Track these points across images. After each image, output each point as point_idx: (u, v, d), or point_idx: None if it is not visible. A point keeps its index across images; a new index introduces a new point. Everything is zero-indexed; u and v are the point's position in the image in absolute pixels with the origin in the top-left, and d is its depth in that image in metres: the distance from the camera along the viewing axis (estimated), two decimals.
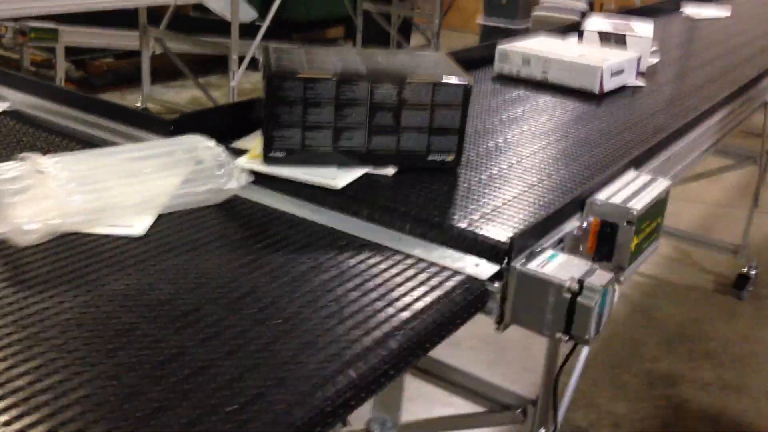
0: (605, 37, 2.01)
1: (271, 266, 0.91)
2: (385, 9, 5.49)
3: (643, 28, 1.98)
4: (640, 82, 1.81)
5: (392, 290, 0.88)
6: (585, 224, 1.13)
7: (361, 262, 0.94)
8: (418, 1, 5.91)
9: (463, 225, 1.02)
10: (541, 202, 1.12)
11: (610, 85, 1.71)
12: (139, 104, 4.08)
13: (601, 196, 1.14)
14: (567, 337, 0.95)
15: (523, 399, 1.29)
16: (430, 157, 1.16)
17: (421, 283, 0.90)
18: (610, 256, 1.14)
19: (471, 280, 0.93)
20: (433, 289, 0.89)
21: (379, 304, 0.85)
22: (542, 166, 1.25)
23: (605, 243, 1.13)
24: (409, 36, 6.05)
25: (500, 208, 1.08)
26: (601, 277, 0.95)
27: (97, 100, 1.27)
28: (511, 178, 1.19)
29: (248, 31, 3.87)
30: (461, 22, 7.17)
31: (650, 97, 1.71)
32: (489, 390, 1.33)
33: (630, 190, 1.17)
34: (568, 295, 0.93)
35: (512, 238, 0.97)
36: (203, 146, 1.05)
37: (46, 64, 4.14)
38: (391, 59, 1.19)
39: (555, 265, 0.97)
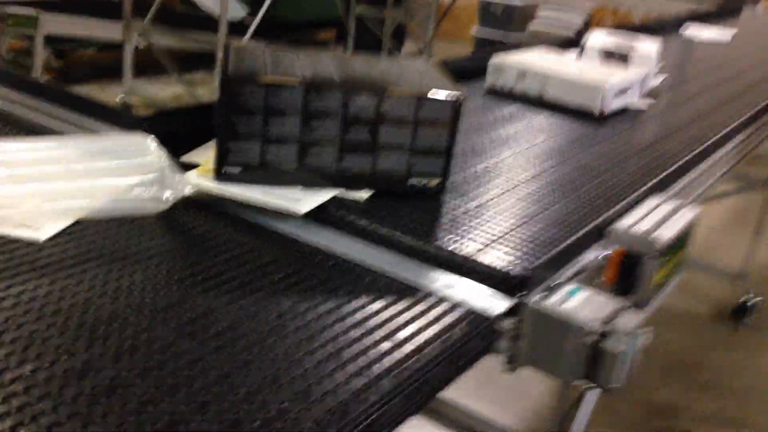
0: (607, 55, 1.89)
1: (207, 274, 0.80)
2: (378, 14, 5.37)
3: (647, 47, 1.86)
4: (643, 105, 1.69)
5: (383, 325, 0.76)
6: (605, 254, 1.01)
7: (342, 285, 0.82)
8: (412, 8, 5.80)
9: (468, 251, 0.90)
10: (554, 230, 0.99)
11: (612, 106, 1.58)
12: (119, 98, 3.93)
13: (624, 223, 1.02)
14: (589, 385, 0.83)
15: None
16: (411, 181, 1.02)
17: (425, 322, 0.78)
18: (631, 290, 1.02)
19: (480, 316, 0.81)
20: (434, 325, 0.77)
21: (360, 334, 0.73)
22: (543, 192, 1.11)
23: (626, 276, 1.02)
24: (402, 43, 5.94)
25: (507, 235, 0.95)
26: (630, 318, 0.83)
27: (58, 90, 1.14)
28: (508, 205, 1.05)
29: (236, 29, 3.73)
30: (455, 31, 7.08)
31: (656, 121, 1.58)
32: (489, 428, 1.20)
33: (655, 218, 1.06)
34: (593, 339, 0.81)
35: (529, 269, 0.85)
36: (150, 150, 0.92)
37: (25, 52, 3.98)
38: (371, 67, 1.05)
39: (577, 302, 0.85)
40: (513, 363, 0.86)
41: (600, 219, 1.02)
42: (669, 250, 1.01)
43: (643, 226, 1.02)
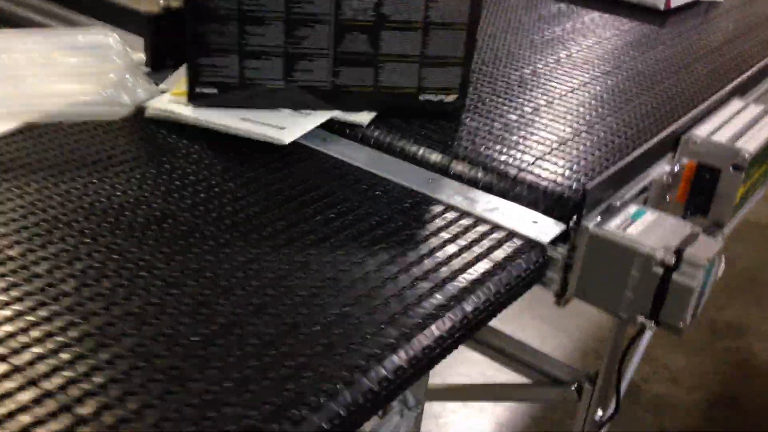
0: None
1: (175, 179, 0.72)
2: None
3: None
4: None
5: (421, 256, 0.66)
6: (677, 168, 0.87)
7: (377, 206, 0.71)
8: None
9: (513, 168, 0.77)
10: (608, 146, 0.85)
11: None
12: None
13: (701, 131, 0.88)
14: (653, 323, 0.72)
15: (579, 374, 1.06)
16: (423, 97, 0.86)
17: (463, 246, 0.68)
18: (707, 209, 0.89)
19: (528, 244, 0.69)
20: (478, 255, 0.67)
21: (401, 266, 0.62)
22: (595, 103, 0.96)
23: (701, 192, 0.88)
24: None
25: (555, 151, 0.82)
26: (706, 246, 0.71)
27: None
28: (552, 119, 0.90)
29: None
30: None
31: (732, 15, 1.37)
32: (537, 360, 1.10)
33: (737, 126, 0.91)
34: (660, 270, 0.69)
35: (584, 188, 0.72)
36: (112, 48, 0.80)
37: None
38: None
39: (642, 226, 0.73)
40: (563, 296, 0.75)
41: (671, 128, 0.88)
42: (753, 162, 0.87)
43: (724, 134, 0.88)
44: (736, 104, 0.97)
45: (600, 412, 1.07)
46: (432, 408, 1.55)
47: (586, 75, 1.04)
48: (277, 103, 0.83)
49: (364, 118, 0.84)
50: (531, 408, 1.68)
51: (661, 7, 1.31)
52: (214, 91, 0.81)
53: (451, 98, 0.86)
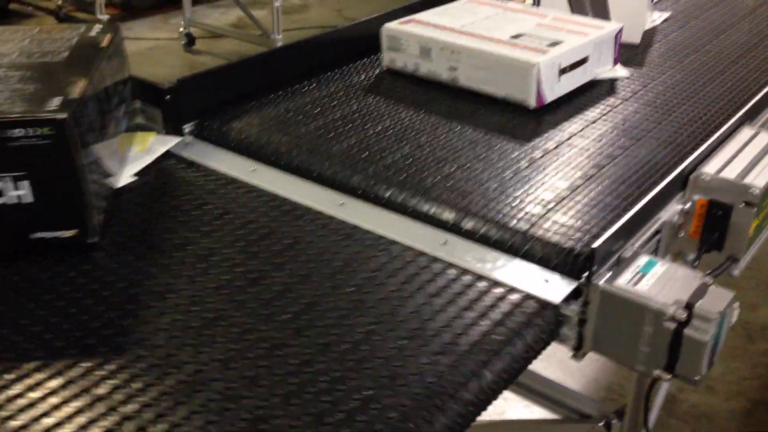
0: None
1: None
2: None
3: None
4: (621, 71, 1.16)
5: (431, 319, 0.68)
6: (688, 206, 0.87)
7: (381, 265, 0.72)
8: None
9: (522, 227, 0.78)
10: (618, 189, 0.85)
11: (559, 89, 1.06)
12: (182, 29, 3.86)
13: (710, 168, 0.88)
14: (669, 376, 0.73)
15: (606, 409, 1.07)
16: None
17: (480, 314, 0.69)
18: (721, 245, 0.89)
19: (542, 305, 0.70)
20: (495, 322, 0.68)
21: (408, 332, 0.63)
22: (582, 159, 0.95)
23: (714, 228, 0.88)
24: None
25: (563, 202, 0.82)
26: (716, 298, 0.71)
27: None
28: (544, 177, 0.90)
29: None
30: None
31: (636, 101, 1.06)
32: (565, 396, 1.11)
33: (747, 158, 0.91)
34: (672, 325, 0.69)
35: (592, 247, 0.73)
36: None
37: None
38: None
39: (652, 279, 0.73)
40: (580, 349, 0.75)
41: (678, 169, 0.87)
42: (766, 195, 0.87)
43: (733, 171, 0.88)
44: (745, 133, 0.97)
45: None
46: None
47: (573, 126, 1.00)
48: None
49: None
50: None
51: (532, 104, 1.03)
52: None
53: None
